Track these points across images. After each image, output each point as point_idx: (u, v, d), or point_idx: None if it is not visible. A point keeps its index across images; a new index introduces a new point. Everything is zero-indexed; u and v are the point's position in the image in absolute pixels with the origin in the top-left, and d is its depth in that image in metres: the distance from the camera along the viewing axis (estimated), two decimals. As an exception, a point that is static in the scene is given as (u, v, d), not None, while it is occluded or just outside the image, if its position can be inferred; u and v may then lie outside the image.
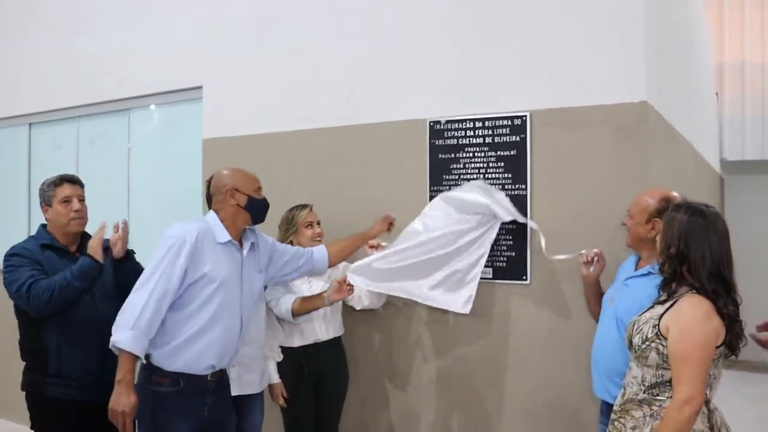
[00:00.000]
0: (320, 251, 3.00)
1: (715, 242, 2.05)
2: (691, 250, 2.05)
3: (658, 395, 2.07)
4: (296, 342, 3.13)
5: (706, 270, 2.03)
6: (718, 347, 2.02)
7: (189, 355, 2.46)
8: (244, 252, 2.63)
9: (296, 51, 3.71)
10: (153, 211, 4.38)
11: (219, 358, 2.53)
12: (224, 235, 2.55)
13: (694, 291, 2.05)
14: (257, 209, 2.65)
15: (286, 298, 3.00)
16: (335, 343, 3.23)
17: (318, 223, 3.21)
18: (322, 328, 3.15)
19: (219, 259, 2.51)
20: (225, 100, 3.98)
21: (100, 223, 2.89)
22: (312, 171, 3.64)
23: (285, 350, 3.14)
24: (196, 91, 4.11)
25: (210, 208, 2.66)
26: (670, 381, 2.04)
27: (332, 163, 3.58)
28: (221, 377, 2.62)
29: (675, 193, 2.50)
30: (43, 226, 2.95)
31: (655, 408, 2.06)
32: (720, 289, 2.03)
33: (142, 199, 4.45)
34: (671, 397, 2.02)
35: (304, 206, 3.21)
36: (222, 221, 2.58)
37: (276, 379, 3.12)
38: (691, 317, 2.00)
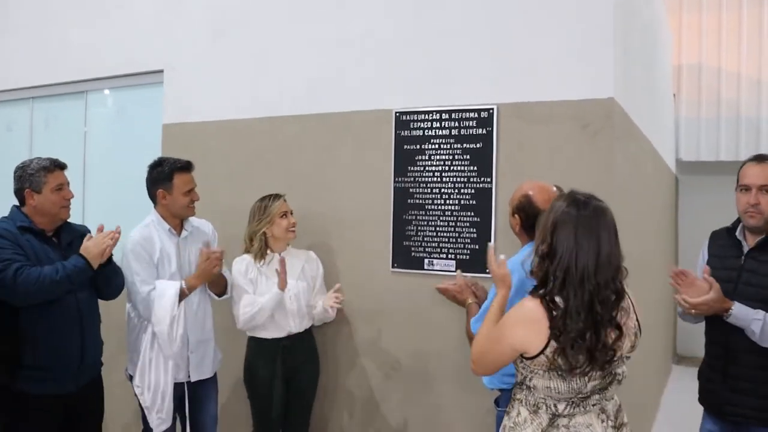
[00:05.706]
0: None
1: (587, 243, 1.71)
2: (558, 246, 1.74)
3: (516, 393, 1.95)
4: (271, 334, 3.06)
5: (563, 271, 1.72)
6: (535, 356, 1.77)
7: None
8: None
9: (261, 37, 3.64)
10: (109, 197, 4.26)
11: None
12: None
13: (538, 295, 1.77)
14: None
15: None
16: (307, 336, 3.17)
17: (291, 213, 3.12)
18: (296, 320, 3.09)
19: None
20: (187, 85, 3.88)
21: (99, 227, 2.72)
22: (275, 159, 3.58)
23: (258, 342, 3.10)
24: (157, 75, 3.99)
25: None
26: (520, 382, 1.90)
27: (296, 152, 3.52)
28: None
29: (532, 185, 2.42)
30: (17, 206, 2.77)
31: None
32: (576, 301, 1.69)
33: (97, 185, 4.31)
34: (519, 399, 1.91)
35: (277, 196, 3.11)
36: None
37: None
38: (506, 316, 1.85)
